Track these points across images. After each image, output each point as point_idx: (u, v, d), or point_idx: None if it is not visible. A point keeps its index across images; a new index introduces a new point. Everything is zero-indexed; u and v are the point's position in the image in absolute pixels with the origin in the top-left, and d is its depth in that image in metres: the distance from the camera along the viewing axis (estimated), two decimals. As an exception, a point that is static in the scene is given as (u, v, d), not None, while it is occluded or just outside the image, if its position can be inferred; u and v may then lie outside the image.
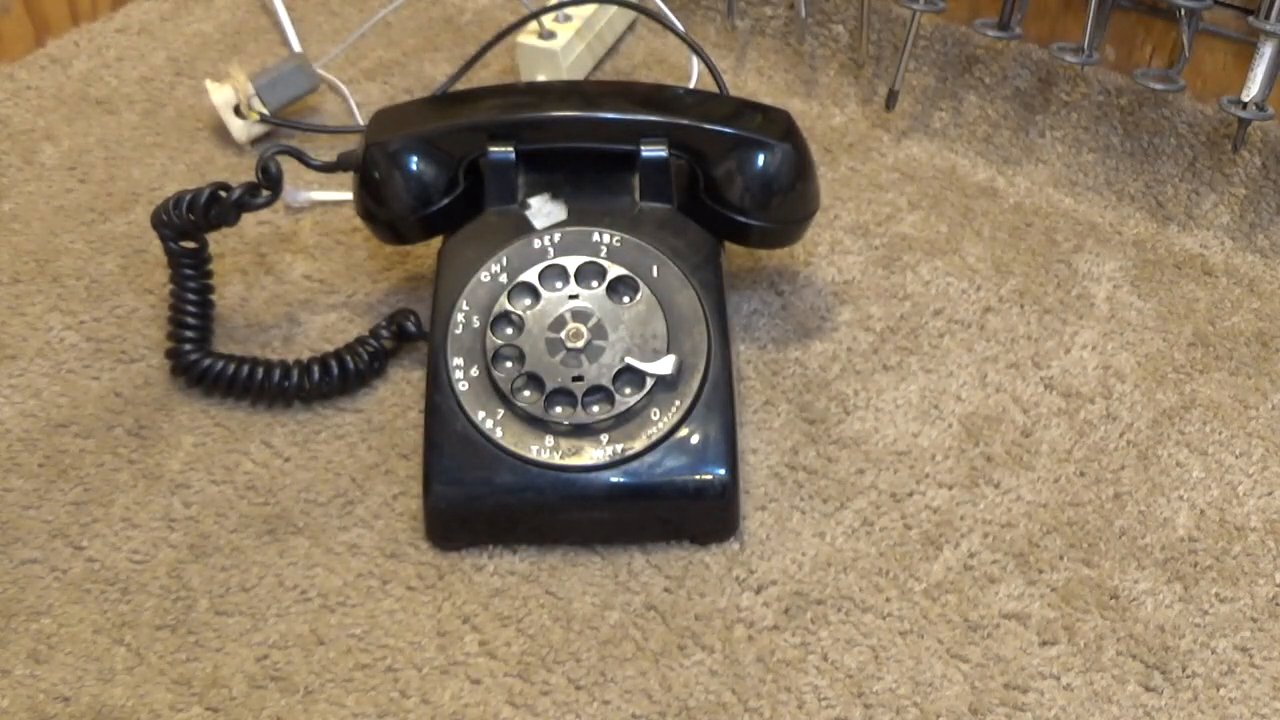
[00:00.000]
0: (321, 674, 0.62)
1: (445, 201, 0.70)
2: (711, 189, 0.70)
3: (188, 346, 0.72)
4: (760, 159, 0.69)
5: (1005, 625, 0.63)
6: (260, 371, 0.71)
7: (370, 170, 0.70)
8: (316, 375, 0.71)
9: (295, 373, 0.71)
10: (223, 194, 0.70)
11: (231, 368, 0.71)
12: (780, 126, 0.71)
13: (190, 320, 0.73)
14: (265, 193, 0.71)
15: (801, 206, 0.72)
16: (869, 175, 0.86)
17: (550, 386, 0.65)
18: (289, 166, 0.71)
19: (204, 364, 0.72)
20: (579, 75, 0.92)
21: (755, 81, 0.94)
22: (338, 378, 0.72)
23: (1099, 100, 0.85)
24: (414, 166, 0.70)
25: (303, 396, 0.72)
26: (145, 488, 0.69)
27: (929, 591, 0.64)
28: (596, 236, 0.68)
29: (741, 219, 0.70)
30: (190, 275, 0.73)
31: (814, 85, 0.93)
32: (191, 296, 0.73)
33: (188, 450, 0.71)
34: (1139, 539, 0.66)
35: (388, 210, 0.71)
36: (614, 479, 0.64)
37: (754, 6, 0.95)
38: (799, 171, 0.70)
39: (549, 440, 0.64)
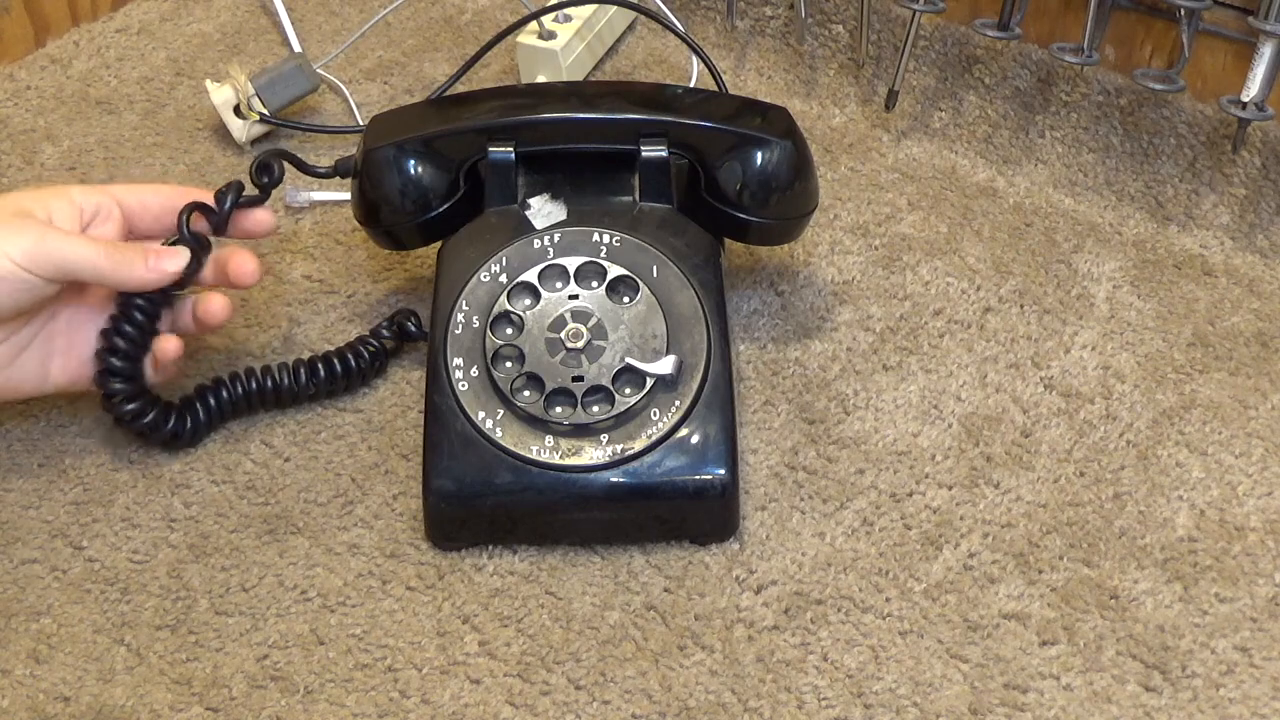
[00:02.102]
0: (321, 674, 0.62)
1: (444, 207, 0.70)
2: (712, 187, 0.70)
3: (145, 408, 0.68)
4: (761, 156, 0.69)
5: (1005, 625, 0.63)
6: (254, 383, 0.71)
7: (368, 177, 0.70)
8: (321, 375, 0.71)
9: (294, 375, 0.71)
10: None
11: (229, 390, 0.70)
12: (780, 124, 0.71)
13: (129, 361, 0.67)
14: (259, 190, 0.69)
15: (802, 203, 0.72)
16: (869, 175, 0.86)
17: (550, 386, 0.65)
18: (289, 166, 0.72)
19: (198, 409, 0.70)
20: (579, 75, 0.92)
21: (755, 81, 0.94)
22: (341, 376, 0.72)
23: (1099, 100, 0.85)
24: (413, 171, 0.69)
25: (302, 399, 0.72)
26: (145, 488, 0.69)
27: (929, 591, 0.64)
28: (596, 236, 0.68)
29: (742, 216, 0.70)
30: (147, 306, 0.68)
31: (814, 85, 0.93)
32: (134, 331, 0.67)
33: (187, 450, 0.71)
34: (1139, 539, 0.66)
35: (387, 216, 0.71)
36: (614, 479, 0.64)
37: (754, 6, 0.95)
38: (799, 168, 0.70)
39: (549, 440, 0.64)
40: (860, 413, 0.72)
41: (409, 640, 0.63)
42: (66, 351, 0.67)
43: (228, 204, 0.67)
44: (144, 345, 0.67)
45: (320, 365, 0.71)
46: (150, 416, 0.68)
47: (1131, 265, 0.80)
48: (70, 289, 0.66)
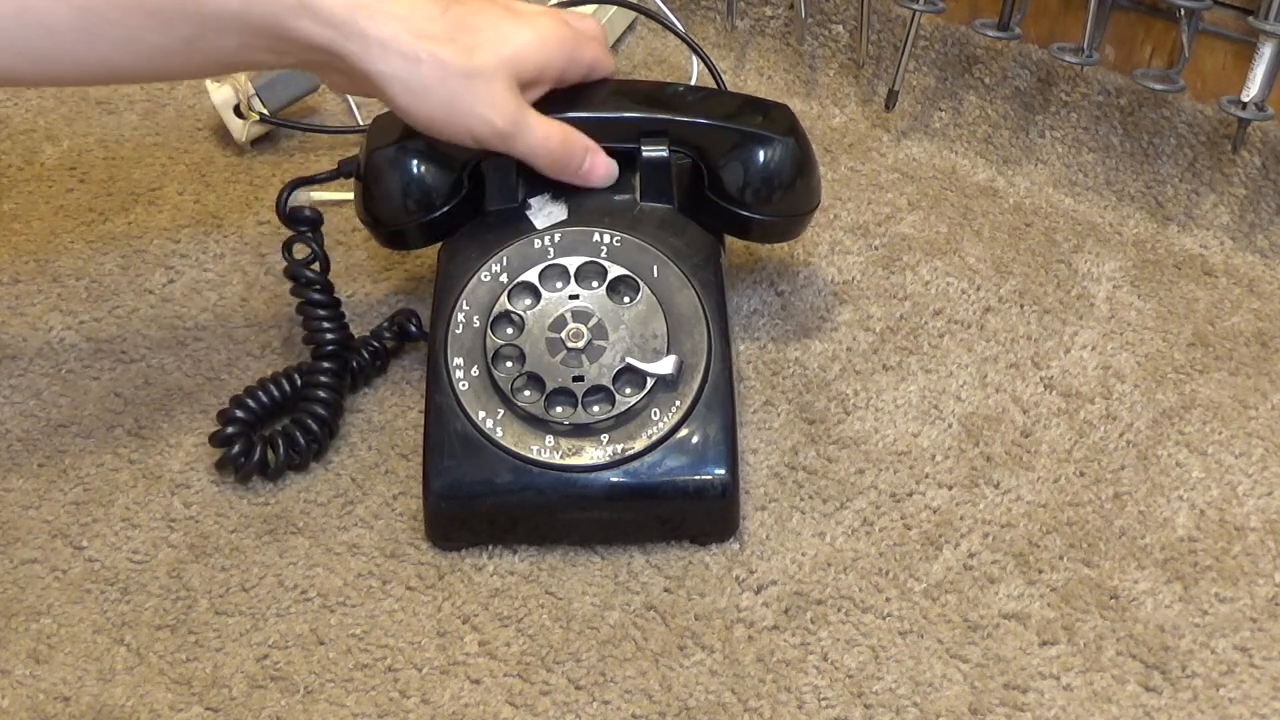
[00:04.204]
0: (321, 674, 0.62)
1: (448, 206, 0.70)
2: (715, 184, 0.70)
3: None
4: (764, 154, 0.69)
5: (1005, 625, 0.63)
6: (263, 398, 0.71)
7: (372, 177, 0.70)
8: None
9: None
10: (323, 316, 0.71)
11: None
12: (782, 121, 0.71)
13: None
14: (308, 249, 0.70)
15: (804, 200, 0.72)
16: (869, 175, 0.86)
17: (550, 386, 0.65)
18: (289, 166, 0.71)
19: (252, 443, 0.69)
20: (579, 75, 0.92)
21: (755, 81, 0.94)
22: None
23: (1099, 100, 0.85)
24: (416, 172, 0.69)
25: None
26: (145, 488, 0.69)
27: (929, 591, 0.64)
28: (597, 236, 0.68)
29: (744, 213, 0.70)
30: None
31: (814, 85, 0.93)
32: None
33: (188, 450, 0.71)
34: (1139, 539, 0.66)
35: (391, 217, 0.71)
36: (614, 479, 0.64)
37: (754, 6, 0.95)
38: (801, 165, 0.70)
39: (549, 440, 0.64)
40: (860, 413, 0.72)
41: (409, 640, 0.63)
42: None
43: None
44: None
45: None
46: (256, 453, 0.68)
47: (1131, 265, 0.80)
48: None
